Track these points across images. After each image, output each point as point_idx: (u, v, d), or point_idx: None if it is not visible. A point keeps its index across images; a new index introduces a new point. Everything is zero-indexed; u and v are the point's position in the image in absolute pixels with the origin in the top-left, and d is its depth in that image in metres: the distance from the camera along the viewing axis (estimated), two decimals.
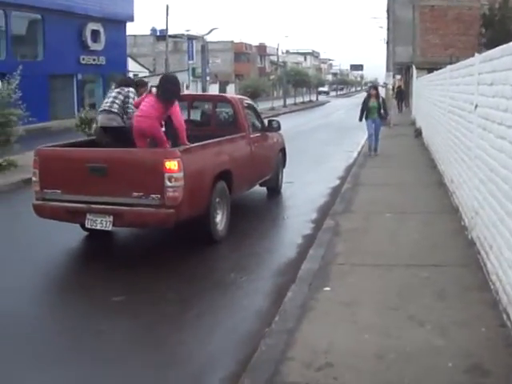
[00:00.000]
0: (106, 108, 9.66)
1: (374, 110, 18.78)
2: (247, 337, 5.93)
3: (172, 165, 8.19)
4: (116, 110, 9.58)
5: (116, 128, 9.66)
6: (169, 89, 9.43)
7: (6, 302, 7.12)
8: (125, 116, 9.63)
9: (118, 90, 9.79)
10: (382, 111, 18.96)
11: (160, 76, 10.58)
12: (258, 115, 12.81)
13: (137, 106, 9.68)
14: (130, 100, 9.58)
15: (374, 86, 20.89)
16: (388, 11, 31.56)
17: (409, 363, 4.86)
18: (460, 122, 10.08)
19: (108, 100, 9.75)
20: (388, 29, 32.19)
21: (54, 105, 37.45)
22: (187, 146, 9.07)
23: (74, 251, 9.45)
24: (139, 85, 10.60)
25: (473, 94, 8.39)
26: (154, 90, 9.97)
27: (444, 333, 5.43)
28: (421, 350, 5.09)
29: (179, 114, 9.63)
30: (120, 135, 9.55)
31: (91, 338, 6.09)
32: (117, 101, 9.61)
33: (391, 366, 4.82)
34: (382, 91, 32.68)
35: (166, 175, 8.17)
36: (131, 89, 9.75)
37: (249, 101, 13.08)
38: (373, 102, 18.85)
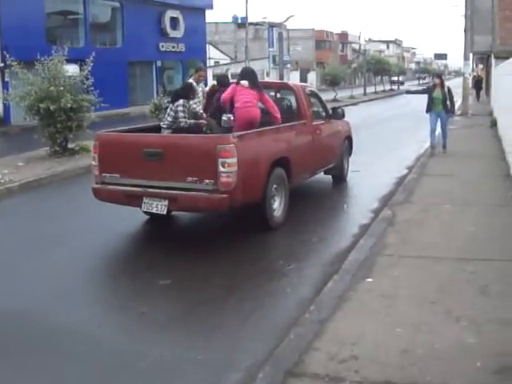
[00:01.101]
0: (162, 124, 10.66)
1: (437, 102, 16.72)
2: (283, 325, 5.85)
3: (225, 150, 8.23)
4: (166, 126, 10.44)
5: None
6: (256, 79, 10.61)
7: (58, 280, 7.39)
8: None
9: (170, 105, 10.59)
10: (447, 103, 16.77)
11: (242, 69, 11.42)
12: (322, 103, 12.66)
13: (227, 99, 10.38)
14: (180, 114, 10.26)
15: (438, 75, 18.87)
16: None
17: (435, 360, 4.70)
18: None
19: (164, 117, 10.89)
20: (465, 17, 31.04)
21: (133, 91, 38.24)
22: (242, 133, 9.07)
23: (133, 236, 9.63)
24: (198, 70, 12.73)
25: None
26: (242, 82, 10.27)
27: (479, 330, 5.23)
28: (450, 347, 4.92)
29: (269, 99, 10.67)
30: None
31: (132, 319, 6.24)
32: (169, 118, 10.44)
33: (416, 361, 4.68)
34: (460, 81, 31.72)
35: (220, 160, 8.21)
36: (180, 102, 10.36)
37: (312, 88, 12.88)
38: (437, 93, 16.78)
